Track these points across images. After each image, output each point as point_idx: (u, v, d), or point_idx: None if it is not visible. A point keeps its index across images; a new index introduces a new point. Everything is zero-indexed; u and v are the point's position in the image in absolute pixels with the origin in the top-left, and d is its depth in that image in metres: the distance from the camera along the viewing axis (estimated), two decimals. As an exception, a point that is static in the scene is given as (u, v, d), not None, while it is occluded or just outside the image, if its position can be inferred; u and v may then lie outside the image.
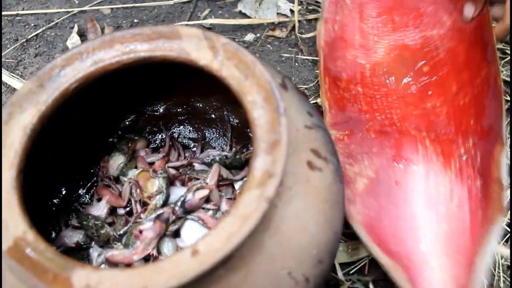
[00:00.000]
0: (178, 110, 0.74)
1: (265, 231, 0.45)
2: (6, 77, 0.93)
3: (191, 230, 0.63)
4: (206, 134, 0.76)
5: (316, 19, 1.07)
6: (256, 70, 0.50)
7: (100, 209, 0.66)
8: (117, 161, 0.71)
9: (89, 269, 0.42)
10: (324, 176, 0.53)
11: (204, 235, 0.42)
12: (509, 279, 0.71)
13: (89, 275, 0.41)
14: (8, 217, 0.45)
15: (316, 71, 0.98)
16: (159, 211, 0.61)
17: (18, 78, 0.94)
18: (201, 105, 0.74)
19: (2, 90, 0.93)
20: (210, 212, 0.64)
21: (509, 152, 0.85)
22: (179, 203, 0.62)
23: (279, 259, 0.47)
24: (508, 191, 0.77)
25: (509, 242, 0.74)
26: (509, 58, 0.91)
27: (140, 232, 0.60)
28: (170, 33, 0.54)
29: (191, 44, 0.53)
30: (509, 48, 0.92)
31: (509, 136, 0.84)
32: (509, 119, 0.89)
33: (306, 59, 1.00)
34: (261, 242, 0.45)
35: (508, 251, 0.72)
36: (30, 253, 0.43)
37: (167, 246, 0.61)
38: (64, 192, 0.69)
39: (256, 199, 0.43)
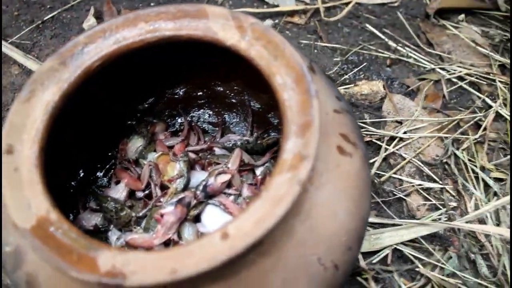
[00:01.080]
0: (198, 93, 0.72)
1: (296, 216, 0.44)
2: (22, 59, 0.92)
3: (212, 215, 0.61)
4: (226, 119, 0.74)
5: (335, 6, 1.06)
6: (286, 51, 0.49)
7: (119, 192, 0.65)
8: (135, 144, 0.69)
9: (115, 250, 0.40)
10: (354, 161, 0.51)
11: (233, 218, 0.41)
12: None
13: (115, 257, 0.40)
14: (30, 195, 0.44)
15: (335, 58, 0.96)
16: (181, 195, 0.60)
17: (34, 60, 0.93)
18: (221, 89, 0.72)
19: (18, 72, 0.92)
20: (232, 197, 0.62)
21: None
22: (200, 188, 0.60)
23: (309, 245, 0.45)
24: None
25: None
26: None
27: (161, 216, 0.58)
28: (196, 12, 0.53)
29: (218, 24, 0.52)
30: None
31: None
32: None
33: (326, 46, 0.98)
34: (292, 227, 0.44)
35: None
36: (54, 233, 0.42)
37: (188, 230, 0.60)
38: (82, 175, 0.68)
39: (288, 182, 0.42)
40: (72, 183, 0.67)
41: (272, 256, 0.43)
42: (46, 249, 0.41)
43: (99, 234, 0.64)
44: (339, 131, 0.51)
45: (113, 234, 0.63)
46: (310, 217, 0.45)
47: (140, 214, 0.62)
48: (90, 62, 0.51)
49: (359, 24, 1.04)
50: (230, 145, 0.68)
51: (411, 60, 0.98)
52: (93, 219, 0.64)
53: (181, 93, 0.72)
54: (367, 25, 1.03)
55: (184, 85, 0.72)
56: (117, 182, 0.67)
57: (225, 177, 0.61)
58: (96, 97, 0.61)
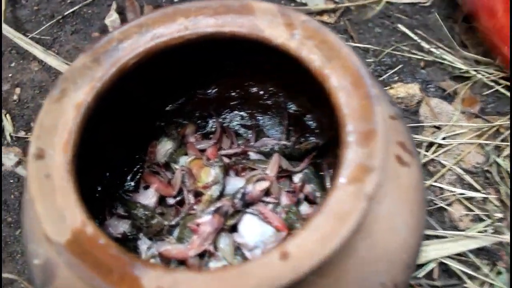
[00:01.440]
0: (231, 94, 0.68)
1: (358, 233, 0.40)
2: (42, 54, 0.88)
3: (250, 224, 0.57)
4: (260, 121, 0.70)
5: (365, 5, 1.01)
6: (342, 51, 0.45)
7: (148, 198, 0.61)
8: (165, 147, 0.65)
9: (160, 270, 0.36)
10: (412, 172, 0.47)
11: (292, 235, 0.37)
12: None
13: (161, 277, 0.36)
14: (64, 205, 0.40)
15: (368, 59, 0.92)
16: (218, 204, 0.55)
17: (54, 56, 0.89)
18: (255, 90, 0.68)
19: (37, 68, 0.88)
20: (270, 206, 0.58)
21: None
22: (239, 195, 0.56)
23: (369, 264, 0.41)
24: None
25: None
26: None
27: (197, 225, 0.54)
28: (240, 8, 0.49)
29: (265, 21, 0.48)
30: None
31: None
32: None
33: (358, 46, 0.94)
34: (353, 245, 0.40)
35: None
36: (91, 249, 0.38)
37: (224, 241, 0.56)
38: (108, 178, 0.64)
39: (352, 197, 0.37)
40: (98, 187, 0.63)
41: (332, 276, 0.39)
42: (84, 267, 0.37)
43: (127, 243, 0.60)
44: (397, 139, 0.47)
45: (143, 243, 0.59)
46: (371, 234, 0.41)
47: (173, 222, 0.58)
48: (125, 60, 0.47)
49: (390, 24, 0.99)
50: (267, 149, 0.64)
51: (445, 62, 0.93)
52: (121, 227, 0.60)
53: (213, 93, 0.68)
54: (399, 25, 0.99)
55: (216, 85, 0.68)
56: (146, 187, 0.63)
57: (264, 184, 0.57)
58: (131, 94, 0.57)
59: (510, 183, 0.75)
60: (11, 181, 0.77)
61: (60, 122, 0.44)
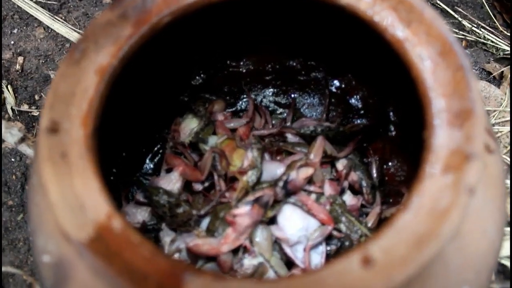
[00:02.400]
0: (266, 67, 0.60)
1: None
2: (48, 20, 0.80)
3: (291, 216, 0.50)
4: (296, 99, 0.62)
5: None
6: (425, 14, 0.37)
7: (171, 183, 0.53)
8: (190, 125, 0.57)
9: (208, 277, 0.29)
10: (497, 161, 0.39)
11: (374, 236, 0.29)
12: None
13: (210, 287, 0.28)
14: (84, 193, 0.32)
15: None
16: (258, 193, 0.48)
17: (62, 22, 0.80)
18: (293, 64, 0.60)
19: (43, 36, 0.80)
20: (313, 196, 0.51)
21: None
22: (281, 183, 0.48)
23: (457, 270, 0.34)
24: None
25: None
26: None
27: (233, 216, 0.47)
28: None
29: (328, -23, 0.39)
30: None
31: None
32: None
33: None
34: (442, 248, 0.32)
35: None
36: (120, 249, 0.30)
37: (261, 234, 0.49)
38: (124, 160, 0.56)
39: (450, 189, 0.30)
40: (113, 169, 0.55)
41: (417, 284, 0.31)
42: (111, 271, 0.29)
43: (146, 233, 0.52)
44: (482, 121, 0.39)
45: (166, 235, 0.51)
46: (460, 235, 0.34)
47: (202, 212, 0.50)
48: (158, 17, 0.39)
49: (429, 1, 0.91)
50: (309, 131, 0.56)
51: (488, 43, 0.85)
52: (140, 215, 0.53)
53: (245, 65, 0.60)
54: (438, 1, 0.91)
55: (248, 56, 0.59)
56: (168, 170, 0.55)
57: (308, 171, 0.50)
58: (158, 58, 0.48)
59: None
60: (13, 160, 0.69)
61: (78, 90, 0.36)
